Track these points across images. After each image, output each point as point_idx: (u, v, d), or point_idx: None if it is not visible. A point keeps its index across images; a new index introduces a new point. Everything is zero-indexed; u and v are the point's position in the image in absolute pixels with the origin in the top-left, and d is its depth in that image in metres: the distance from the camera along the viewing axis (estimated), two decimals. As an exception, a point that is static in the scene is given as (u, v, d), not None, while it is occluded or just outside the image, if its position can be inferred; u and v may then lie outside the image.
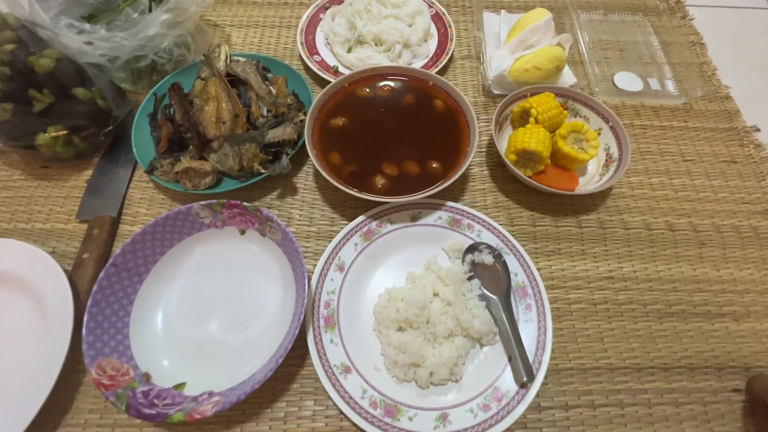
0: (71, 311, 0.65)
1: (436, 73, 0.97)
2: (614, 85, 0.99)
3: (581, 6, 1.11)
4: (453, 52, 1.01)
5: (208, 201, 0.72)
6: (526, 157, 0.81)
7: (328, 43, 1.04)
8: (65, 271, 0.70)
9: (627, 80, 0.99)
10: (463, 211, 0.78)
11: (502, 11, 1.10)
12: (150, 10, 0.91)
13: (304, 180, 0.87)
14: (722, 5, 1.17)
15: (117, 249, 0.77)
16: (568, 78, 0.97)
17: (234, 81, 0.93)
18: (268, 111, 0.87)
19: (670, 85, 0.99)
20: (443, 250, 0.77)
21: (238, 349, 0.67)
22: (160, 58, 0.96)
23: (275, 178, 0.84)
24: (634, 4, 1.13)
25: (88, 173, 0.88)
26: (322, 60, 1.01)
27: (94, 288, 0.64)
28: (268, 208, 0.84)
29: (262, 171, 0.81)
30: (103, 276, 0.65)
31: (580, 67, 1.02)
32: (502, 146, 0.87)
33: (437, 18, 1.07)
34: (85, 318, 0.62)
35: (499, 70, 0.93)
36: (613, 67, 1.02)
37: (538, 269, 0.76)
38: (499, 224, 0.80)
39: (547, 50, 0.92)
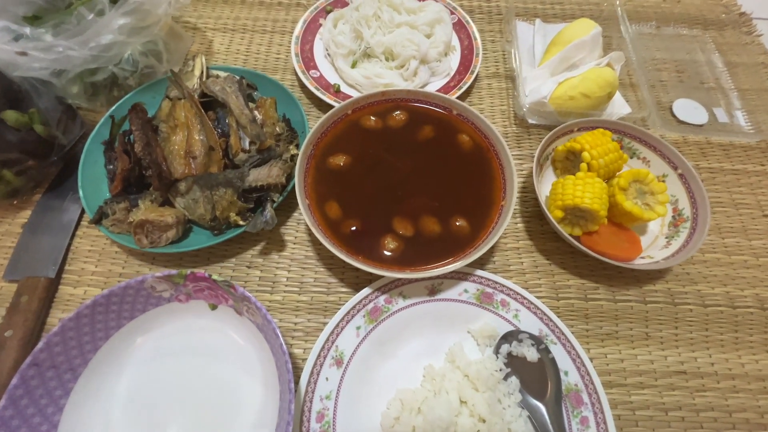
0: (-23, 421, 0.48)
1: (460, 95, 0.80)
2: (673, 115, 0.82)
3: (629, 16, 0.93)
4: (479, 69, 0.83)
5: (167, 272, 0.55)
6: (577, 214, 0.64)
7: (328, 54, 0.87)
8: (-23, 357, 0.53)
9: (688, 110, 0.82)
10: (495, 282, 0.62)
11: (537, 20, 0.92)
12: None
13: (295, 231, 0.70)
14: (794, 19, 1.00)
15: (52, 327, 0.60)
16: (619, 107, 0.80)
17: (211, 102, 0.75)
18: (251, 143, 0.70)
19: (741, 117, 0.82)
20: (470, 334, 0.60)
21: (199, 477, 0.51)
22: (121, 71, 0.77)
23: (258, 229, 0.67)
24: (691, 14, 0.96)
25: (26, 214, 0.71)
26: (321, 76, 0.83)
27: (3, 400, 0.47)
28: (248, 267, 0.67)
29: (240, 223, 0.64)
30: (18, 382, 0.48)
31: (630, 92, 0.84)
32: (543, 193, 0.70)
33: (460, 27, 0.90)
34: (-17, 449, 0.45)
35: (537, 95, 0.76)
36: (671, 92, 0.85)
37: (591, 359, 0.60)
38: (541, 298, 0.64)
39: (596, 73, 0.75)
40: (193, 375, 0.57)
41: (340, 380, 0.54)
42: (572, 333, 0.60)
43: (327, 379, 0.54)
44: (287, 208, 0.72)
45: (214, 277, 0.54)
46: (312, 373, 0.54)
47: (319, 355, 0.55)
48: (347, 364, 0.55)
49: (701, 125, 0.80)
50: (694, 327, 0.63)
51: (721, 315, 0.64)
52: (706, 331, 0.63)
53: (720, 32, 0.93)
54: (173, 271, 0.55)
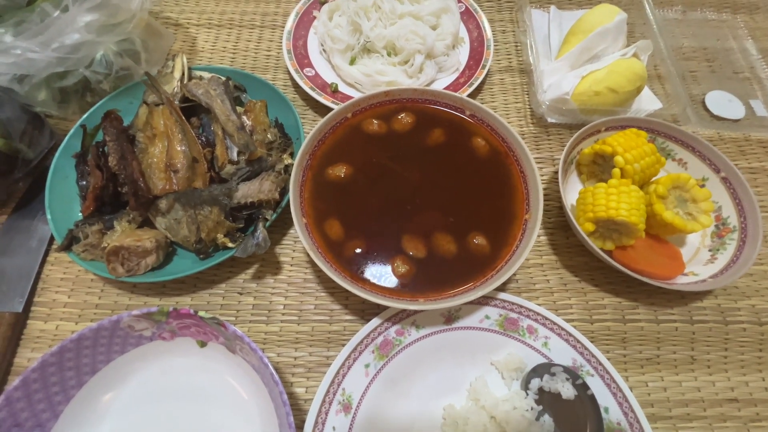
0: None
1: (471, 92, 0.72)
2: (706, 109, 0.75)
3: (652, 0, 0.85)
4: (490, 63, 0.75)
5: (146, 309, 0.47)
6: (610, 227, 0.56)
7: (324, 50, 0.79)
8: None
9: (722, 103, 0.75)
10: (520, 306, 0.54)
11: (552, 7, 0.84)
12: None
13: (291, 251, 0.63)
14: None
15: (20, 368, 0.53)
16: (648, 102, 0.72)
17: (195, 107, 0.67)
18: (239, 153, 0.62)
19: (781, 110, 0.75)
20: (494, 366, 0.53)
21: None
22: (94, 74, 0.69)
23: (251, 250, 0.59)
24: (719, -3, 0.88)
25: (-10, 239, 0.63)
26: (316, 75, 0.75)
27: (-50, 473, 0.40)
28: (240, 294, 0.59)
29: (229, 246, 0.56)
30: (-31, 448, 0.41)
31: (657, 85, 0.76)
32: (568, 202, 0.62)
33: (468, 16, 0.81)
34: None
35: (557, 91, 0.68)
36: (702, 84, 0.77)
37: (630, 389, 0.53)
38: (573, 322, 0.57)
39: (623, 65, 0.67)
40: (182, 423, 0.50)
41: (349, 429, 0.47)
42: (608, 360, 0.53)
43: (334, 428, 0.47)
44: (282, 224, 0.64)
45: (201, 313, 0.47)
46: (317, 422, 0.47)
47: (323, 401, 0.48)
48: (356, 410, 0.48)
49: (738, 120, 0.73)
50: (746, 348, 0.57)
51: (776, 333, 0.57)
52: (760, 351, 0.56)
53: (751, 16, 0.86)
54: (153, 308, 0.47)
